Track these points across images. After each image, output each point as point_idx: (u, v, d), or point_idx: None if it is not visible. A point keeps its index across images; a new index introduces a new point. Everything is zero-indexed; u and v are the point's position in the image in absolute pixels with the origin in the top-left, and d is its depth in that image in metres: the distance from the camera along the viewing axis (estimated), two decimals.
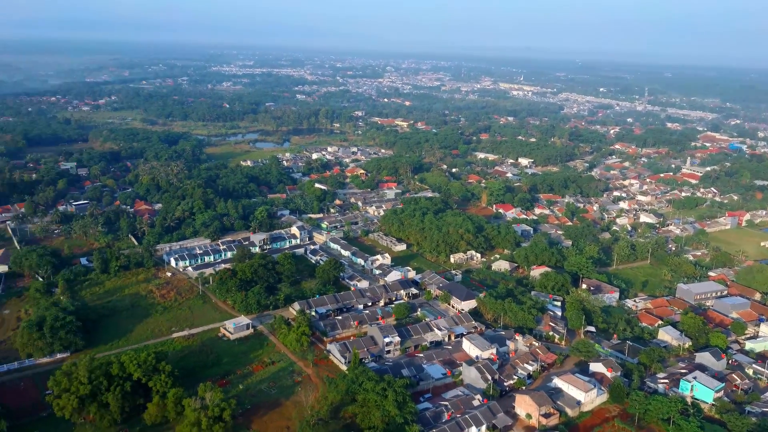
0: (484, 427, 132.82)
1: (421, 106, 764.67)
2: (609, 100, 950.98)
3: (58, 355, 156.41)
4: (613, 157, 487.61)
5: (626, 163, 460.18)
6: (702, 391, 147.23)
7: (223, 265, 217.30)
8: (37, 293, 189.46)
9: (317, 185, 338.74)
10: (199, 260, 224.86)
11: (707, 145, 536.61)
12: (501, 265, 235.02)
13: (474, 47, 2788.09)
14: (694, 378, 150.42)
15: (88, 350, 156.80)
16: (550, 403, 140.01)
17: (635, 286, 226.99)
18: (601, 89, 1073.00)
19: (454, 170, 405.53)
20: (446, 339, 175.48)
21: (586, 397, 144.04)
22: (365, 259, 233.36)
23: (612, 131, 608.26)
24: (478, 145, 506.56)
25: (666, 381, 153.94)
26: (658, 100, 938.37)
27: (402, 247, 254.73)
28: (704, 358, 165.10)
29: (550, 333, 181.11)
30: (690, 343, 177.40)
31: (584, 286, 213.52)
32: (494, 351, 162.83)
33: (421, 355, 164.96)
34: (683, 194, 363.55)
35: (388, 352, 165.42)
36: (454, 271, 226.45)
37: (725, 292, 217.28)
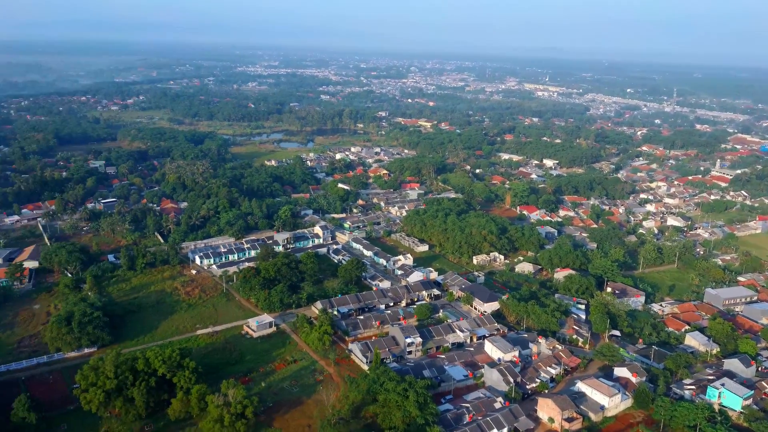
0: (505, 430, 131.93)
1: (445, 107, 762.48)
2: (636, 101, 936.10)
3: (86, 350, 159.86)
4: (640, 159, 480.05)
5: (653, 165, 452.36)
6: (730, 398, 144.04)
7: (246, 264, 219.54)
8: (66, 289, 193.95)
9: (340, 185, 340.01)
10: (224, 258, 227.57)
11: (738, 147, 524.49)
12: (524, 267, 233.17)
13: (498, 47, 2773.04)
14: (722, 385, 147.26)
15: (114, 345, 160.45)
16: (573, 408, 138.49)
17: (662, 291, 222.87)
18: (629, 90, 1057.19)
19: (477, 171, 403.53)
20: (468, 341, 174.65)
21: (610, 401, 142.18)
22: (387, 259, 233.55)
23: (639, 133, 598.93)
24: (503, 146, 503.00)
25: (693, 387, 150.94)
26: (687, 101, 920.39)
27: (424, 247, 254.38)
28: (733, 364, 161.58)
29: (574, 336, 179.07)
30: (718, 349, 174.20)
31: (609, 289, 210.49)
32: (517, 353, 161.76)
33: (443, 356, 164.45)
34: (712, 197, 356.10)
35: (410, 352, 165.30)
36: (476, 273, 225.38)
37: (755, 298, 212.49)
